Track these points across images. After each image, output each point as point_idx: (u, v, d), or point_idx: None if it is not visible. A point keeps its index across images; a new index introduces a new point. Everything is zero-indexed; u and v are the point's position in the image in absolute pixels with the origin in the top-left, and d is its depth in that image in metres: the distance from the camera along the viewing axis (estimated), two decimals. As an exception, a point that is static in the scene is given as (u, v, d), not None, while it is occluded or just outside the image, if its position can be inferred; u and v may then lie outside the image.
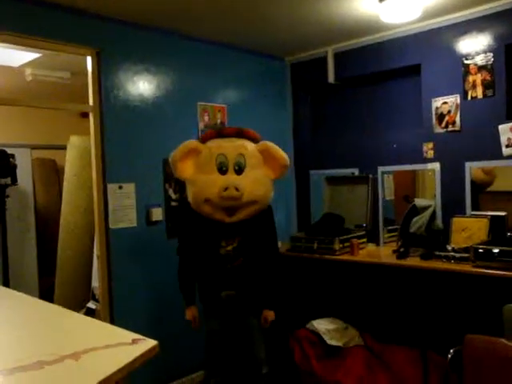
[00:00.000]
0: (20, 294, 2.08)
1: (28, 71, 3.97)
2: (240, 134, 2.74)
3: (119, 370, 1.20)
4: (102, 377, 1.14)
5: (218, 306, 2.78)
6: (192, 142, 2.75)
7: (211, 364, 2.89)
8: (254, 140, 2.76)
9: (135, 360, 1.27)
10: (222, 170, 2.63)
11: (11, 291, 2.15)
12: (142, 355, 1.30)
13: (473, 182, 3.40)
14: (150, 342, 1.38)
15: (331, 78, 4.14)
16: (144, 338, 1.41)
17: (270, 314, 2.78)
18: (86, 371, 1.20)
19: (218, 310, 2.80)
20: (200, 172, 2.67)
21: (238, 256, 2.70)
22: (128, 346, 1.37)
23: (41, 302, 1.98)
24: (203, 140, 2.78)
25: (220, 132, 2.79)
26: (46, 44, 2.98)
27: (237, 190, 2.54)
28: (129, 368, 1.23)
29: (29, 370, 1.20)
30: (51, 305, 2.00)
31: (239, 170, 2.64)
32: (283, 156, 2.72)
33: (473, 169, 3.41)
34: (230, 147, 2.66)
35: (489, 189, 3.49)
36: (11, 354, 1.37)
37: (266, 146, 2.73)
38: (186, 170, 2.70)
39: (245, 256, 2.72)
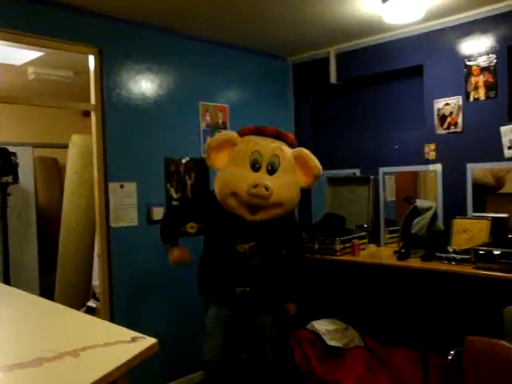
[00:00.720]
0: (20, 291, 2.08)
1: (30, 70, 3.98)
2: (278, 136, 2.74)
3: (118, 368, 1.20)
4: (100, 374, 1.14)
5: (230, 301, 2.74)
6: (228, 134, 2.78)
7: (210, 354, 2.78)
8: (291, 145, 2.76)
9: (134, 358, 1.27)
10: (255, 166, 2.61)
11: (11, 288, 2.15)
12: (141, 353, 1.30)
13: (480, 185, 3.39)
14: (149, 340, 1.38)
15: (333, 79, 4.14)
16: (143, 336, 1.41)
17: (293, 308, 2.81)
18: (84, 368, 1.20)
19: (231, 304, 2.75)
20: (232, 164, 2.66)
21: (255, 255, 2.67)
22: (127, 343, 1.37)
23: (41, 299, 1.98)
24: (241, 134, 2.76)
25: (260, 130, 2.77)
26: (49, 42, 2.99)
27: (266, 189, 2.53)
28: (128, 366, 1.23)
29: (28, 366, 1.20)
30: (51, 302, 2.00)
31: (272, 171, 2.62)
32: (317, 165, 2.70)
33: (481, 173, 3.39)
34: (267, 146, 2.65)
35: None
36: (11, 351, 1.37)
37: (301, 152, 2.72)
38: (219, 159, 2.69)
39: (262, 256, 2.69)
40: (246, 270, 2.68)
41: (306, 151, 2.73)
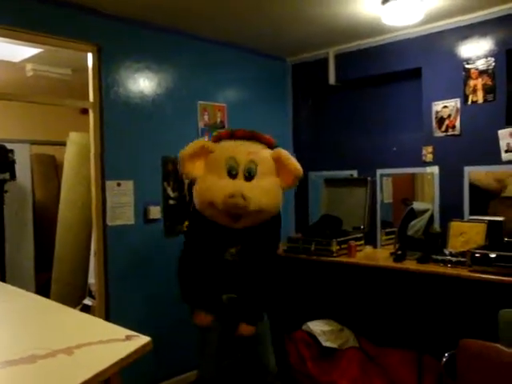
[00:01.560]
0: (15, 288, 2.08)
1: (29, 67, 3.97)
2: (254, 138, 2.64)
3: (112, 366, 1.20)
4: (94, 372, 1.14)
5: (218, 309, 2.67)
6: (202, 141, 2.66)
7: (206, 370, 2.75)
8: (269, 145, 2.65)
9: (128, 356, 1.27)
10: (232, 173, 2.52)
11: (6, 285, 2.15)
12: (136, 351, 1.30)
13: (483, 189, 3.38)
14: (144, 339, 1.37)
15: (332, 80, 4.14)
16: (138, 334, 1.41)
17: (247, 330, 2.58)
18: (78, 366, 1.20)
19: (219, 312, 2.68)
20: (209, 172, 2.57)
21: (242, 260, 2.60)
22: (121, 342, 1.37)
23: (36, 296, 1.98)
24: (216, 139, 2.68)
25: (234, 134, 2.67)
26: (48, 39, 2.98)
27: (243, 198, 2.43)
28: (121, 364, 1.23)
29: (21, 363, 1.20)
30: (46, 300, 2.00)
31: (249, 177, 2.52)
32: (296, 167, 2.58)
33: (484, 176, 3.38)
34: (242, 152, 2.55)
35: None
36: (4, 348, 1.37)
37: (278, 154, 2.60)
38: (195, 169, 2.60)
39: (247, 259, 2.62)
40: (233, 276, 2.61)
41: (283, 153, 2.61)
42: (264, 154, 2.59)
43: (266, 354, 2.73)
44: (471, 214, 3.37)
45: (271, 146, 2.66)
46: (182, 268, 2.71)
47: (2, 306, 1.84)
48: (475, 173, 3.40)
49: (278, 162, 2.60)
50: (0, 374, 1.15)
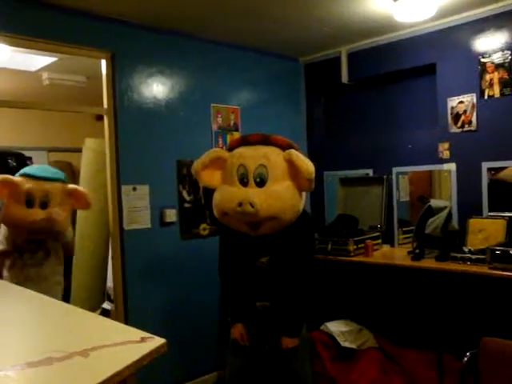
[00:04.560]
0: (34, 292, 2.10)
1: (45, 75, 4.05)
2: (266, 142, 2.50)
3: (127, 367, 1.20)
4: (109, 373, 1.15)
5: (252, 317, 2.59)
6: (214, 151, 2.60)
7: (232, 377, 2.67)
8: (284, 147, 2.48)
9: (143, 358, 1.27)
10: (244, 181, 2.43)
11: (24, 289, 2.17)
12: (150, 353, 1.30)
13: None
14: (158, 340, 1.37)
15: (345, 79, 4.11)
16: (152, 336, 1.41)
17: (289, 343, 2.48)
18: (94, 368, 1.21)
19: (253, 320, 2.60)
20: (224, 182, 2.52)
21: (272, 268, 2.53)
22: (136, 343, 1.37)
23: (52, 300, 2.00)
24: (230, 148, 2.62)
25: (245, 139, 2.58)
26: (62, 48, 3.03)
27: (251, 205, 2.34)
28: (136, 365, 1.24)
29: (39, 365, 1.21)
30: (62, 303, 2.02)
31: (261, 182, 2.41)
32: (306, 169, 2.37)
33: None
34: (252, 157, 2.44)
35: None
36: (24, 350, 1.39)
37: (289, 156, 2.42)
38: (213, 179, 2.55)
39: (279, 267, 2.54)
40: (265, 284, 2.55)
41: (294, 154, 2.41)
42: (275, 157, 2.46)
43: (301, 365, 2.61)
44: (492, 210, 3.30)
45: (288, 147, 2.50)
46: (221, 279, 2.72)
47: (22, 310, 1.87)
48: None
49: (290, 164, 2.45)
50: (19, 375, 1.17)
